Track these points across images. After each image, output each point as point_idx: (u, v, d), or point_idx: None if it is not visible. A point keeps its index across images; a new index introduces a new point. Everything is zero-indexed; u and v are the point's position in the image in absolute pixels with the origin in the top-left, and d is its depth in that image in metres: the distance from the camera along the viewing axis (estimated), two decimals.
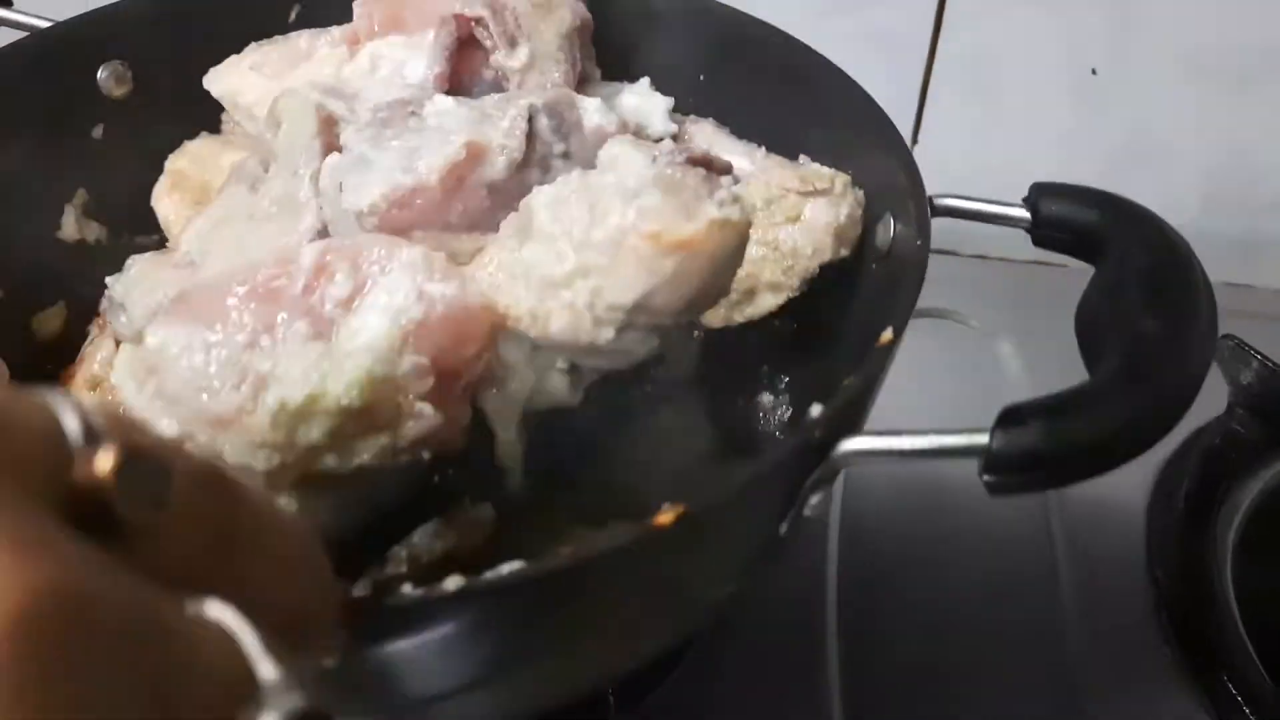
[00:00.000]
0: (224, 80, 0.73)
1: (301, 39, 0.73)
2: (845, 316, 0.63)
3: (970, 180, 0.61)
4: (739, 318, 0.67)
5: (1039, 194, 0.57)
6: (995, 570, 0.78)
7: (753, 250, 0.63)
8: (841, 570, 0.76)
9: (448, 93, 0.66)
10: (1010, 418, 0.45)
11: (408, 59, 0.72)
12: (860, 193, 0.64)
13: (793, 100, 0.69)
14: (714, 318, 0.67)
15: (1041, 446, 0.44)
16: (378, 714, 0.47)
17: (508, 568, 0.40)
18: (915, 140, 1.01)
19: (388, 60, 0.71)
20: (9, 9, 0.74)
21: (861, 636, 0.73)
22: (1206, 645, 0.71)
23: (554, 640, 0.47)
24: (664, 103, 0.69)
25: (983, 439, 0.45)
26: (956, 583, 0.77)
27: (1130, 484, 0.82)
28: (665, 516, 0.42)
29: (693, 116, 0.70)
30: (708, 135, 0.69)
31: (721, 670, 0.71)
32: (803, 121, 0.68)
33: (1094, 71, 0.96)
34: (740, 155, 0.68)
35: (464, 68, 0.69)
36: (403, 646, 0.43)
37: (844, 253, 0.64)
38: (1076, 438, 0.45)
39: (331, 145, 0.60)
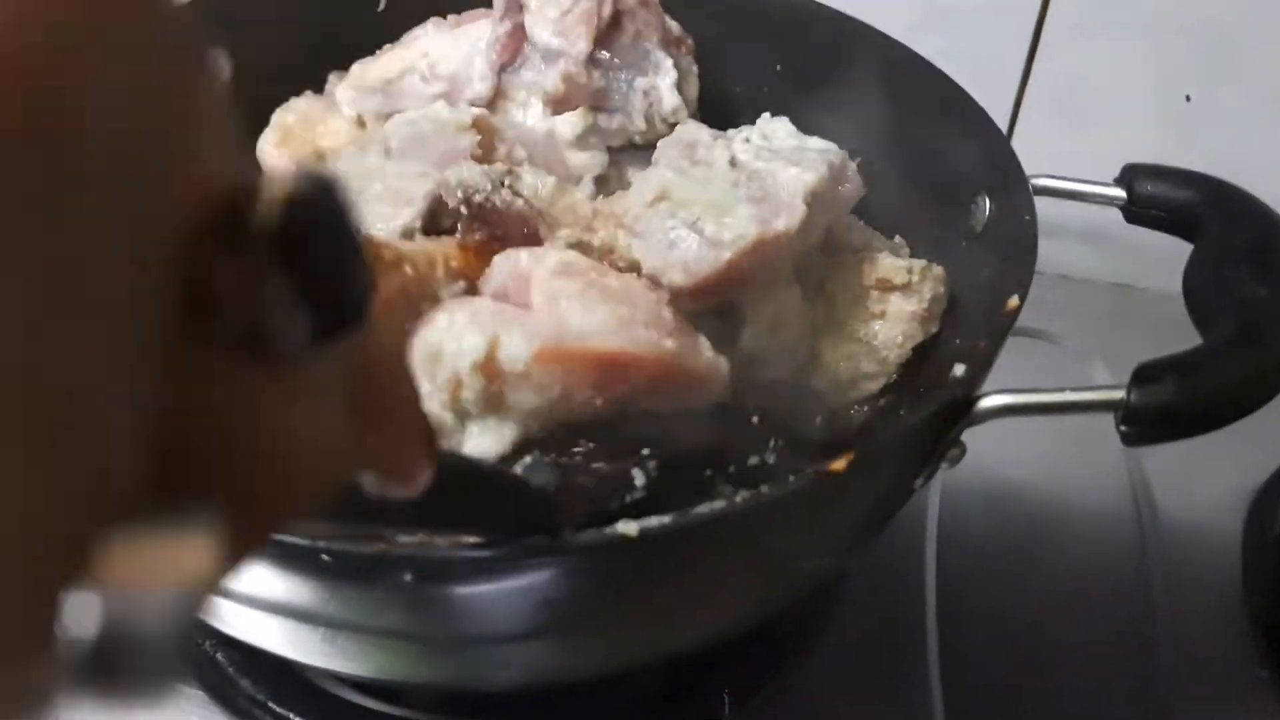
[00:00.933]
0: (264, 161, 0.76)
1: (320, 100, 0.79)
2: (958, 277, 0.67)
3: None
4: (846, 402, 0.71)
5: (1133, 174, 0.62)
6: (1089, 590, 0.80)
7: (847, 348, 0.68)
8: (940, 587, 0.78)
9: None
10: (1146, 374, 0.49)
11: (455, 51, 0.76)
12: (940, 270, 0.68)
13: (882, 88, 0.73)
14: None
15: (1175, 400, 0.49)
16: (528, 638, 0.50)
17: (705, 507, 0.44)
18: None
19: (438, 52, 0.76)
20: None
21: (959, 651, 0.74)
22: None
23: (719, 582, 0.50)
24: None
25: (1120, 394, 0.49)
26: (1052, 602, 0.79)
27: (1226, 508, 0.84)
28: (838, 463, 0.46)
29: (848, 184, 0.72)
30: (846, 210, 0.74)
31: (825, 675, 0.73)
32: (896, 110, 0.72)
33: (1188, 98, 0.96)
34: (843, 230, 0.73)
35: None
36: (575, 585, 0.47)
37: (933, 330, 0.68)
38: (1206, 392, 0.49)
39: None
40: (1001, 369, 0.55)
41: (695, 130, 0.67)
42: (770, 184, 0.63)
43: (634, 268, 0.62)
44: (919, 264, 0.68)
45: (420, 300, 0.58)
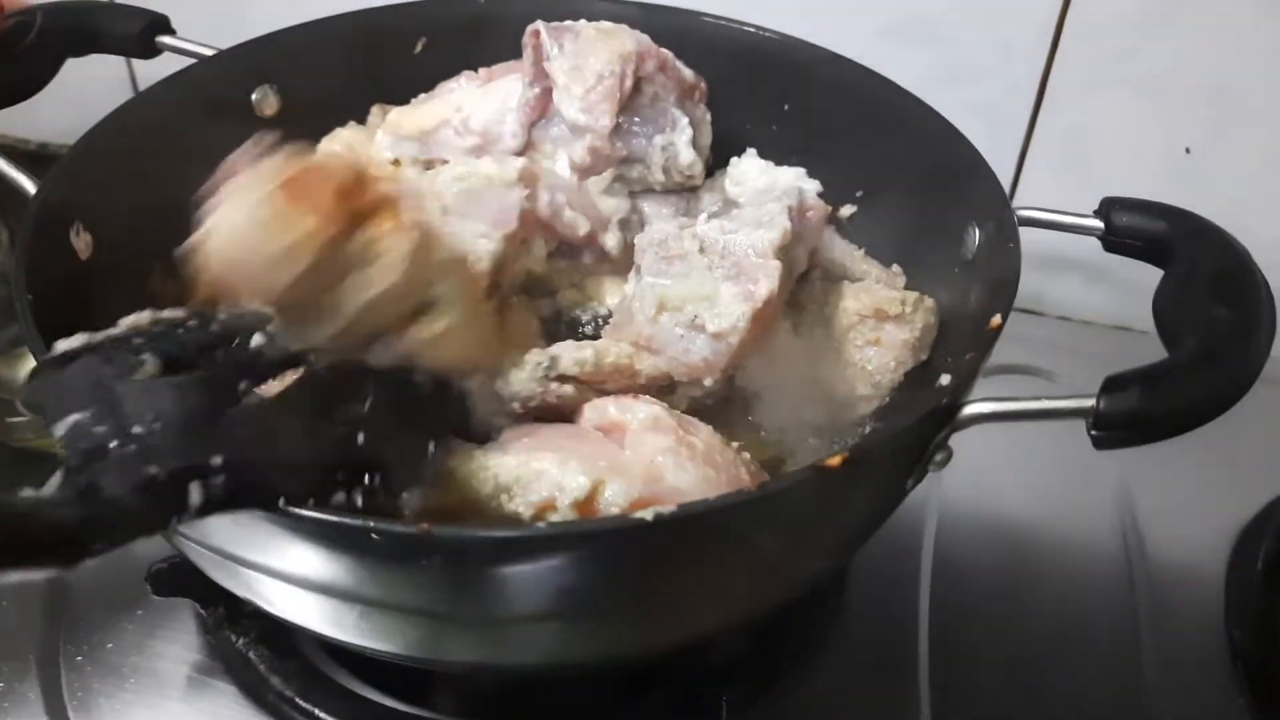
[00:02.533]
0: None
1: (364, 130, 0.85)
2: (947, 299, 0.73)
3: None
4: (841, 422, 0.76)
5: (1110, 206, 0.67)
6: (1079, 621, 0.83)
7: (845, 371, 0.74)
8: (933, 616, 0.82)
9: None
10: (1114, 384, 0.54)
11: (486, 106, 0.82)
12: (931, 301, 0.73)
13: (882, 127, 0.78)
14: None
15: (1141, 408, 0.53)
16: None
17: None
18: None
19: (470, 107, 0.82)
20: (171, 35, 0.82)
21: (950, 676, 0.78)
22: (1279, 696, 0.77)
23: (714, 572, 0.55)
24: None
25: (1090, 401, 0.54)
26: (1041, 630, 0.82)
27: (1211, 545, 0.88)
28: (834, 459, 0.51)
29: (812, 211, 0.77)
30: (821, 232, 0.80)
31: (819, 693, 0.76)
32: (895, 147, 0.78)
33: (1188, 150, 1.00)
34: (844, 258, 0.79)
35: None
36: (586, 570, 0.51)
37: (923, 358, 0.74)
38: (1169, 401, 0.54)
39: None
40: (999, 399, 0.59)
41: (662, 229, 0.73)
42: (740, 255, 0.69)
43: (664, 378, 0.68)
44: (912, 296, 0.73)
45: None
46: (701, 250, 0.69)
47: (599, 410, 0.64)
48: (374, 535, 0.47)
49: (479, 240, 0.71)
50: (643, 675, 0.75)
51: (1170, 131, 0.99)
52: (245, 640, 0.77)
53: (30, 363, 1.12)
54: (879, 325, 0.72)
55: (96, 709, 0.74)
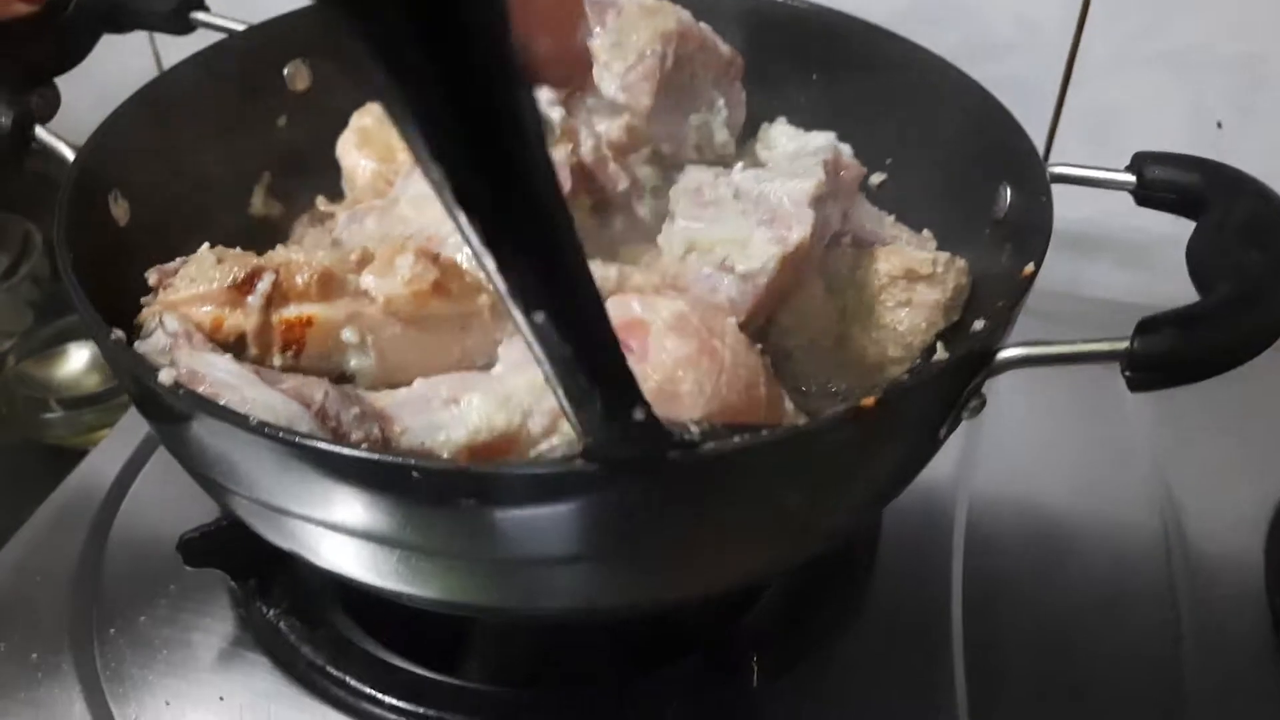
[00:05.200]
0: (344, 160, 0.82)
1: None
2: (977, 262, 0.73)
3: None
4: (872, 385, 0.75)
5: (1141, 161, 0.67)
6: (1113, 592, 0.82)
7: (876, 333, 0.73)
8: (966, 583, 0.81)
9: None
10: (1148, 326, 0.54)
11: None
12: (963, 262, 0.73)
13: (913, 93, 0.79)
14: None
15: (1175, 349, 0.53)
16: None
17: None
18: None
19: None
20: (205, 11, 0.83)
21: (985, 645, 0.77)
22: None
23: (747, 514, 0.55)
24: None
25: (1124, 344, 0.53)
26: (1077, 601, 0.82)
27: (1251, 516, 0.87)
28: (869, 400, 0.51)
29: (846, 170, 0.77)
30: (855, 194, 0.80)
31: (852, 661, 0.76)
32: (927, 111, 0.78)
33: (1219, 125, 1.00)
34: (874, 224, 0.79)
35: None
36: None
37: (954, 318, 0.73)
38: (1204, 342, 0.54)
39: None
40: (1032, 375, 0.59)
41: (697, 175, 0.74)
42: (775, 202, 0.69)
43: None
44: (944, 256, 0.73)
45: None
46: (736, 197, 0.69)
47: (622, 306, 0.63)
48: (414, 474, 0.48)
49: None
50: (674, 640, 0.75)
51: (1200, 106, 0.98)
52: (276, 612, 0.78)
53: (60, 364, 1.16)
54: (910, 286, 0.72)
55: (130, 680, 0.74)
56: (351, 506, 0.51)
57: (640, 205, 0.77)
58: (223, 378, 0.57)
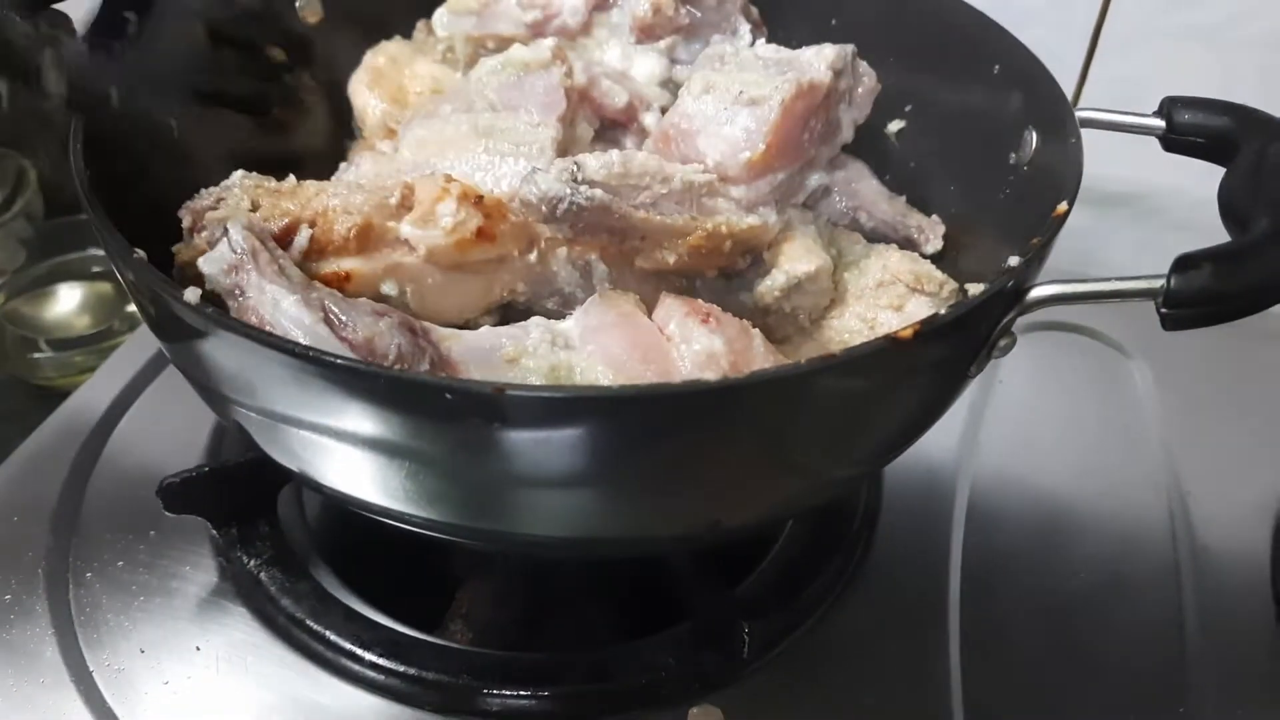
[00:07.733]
0: (355, 99, 0.81)
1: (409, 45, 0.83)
2: (998, 211, 0.71)
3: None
4: None
5: (1171, 105, 0.65)
6: (1116, 573, 0.80)
7: (851, 323, 0.71)
8: (965, 560, 0.80)
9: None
10: (1185, 263, 0.52)
11: None
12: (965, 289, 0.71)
13: (937, 39, 0.77)
14: None
15: (1213, 286, 0.51)
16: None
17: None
18: None
19: None
20: None
21: (981, 621, 0.76)
22: None
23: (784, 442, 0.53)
24: None
25: (1160, 281, 0.51)
26: (1077, 583, 0.80)
27: (1257, 503, 0.86)
28: (905, 331, 0.49)
29: (865, 76, 0.76)
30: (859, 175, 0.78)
31: (845, 633, 0.75)
32: (951, 58, 0.76)
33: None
34: (880, 199, 0.77)
35: None
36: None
37: None
38: (1242, 279, 0.52)
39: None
40: (1040, 357, 0.57)
41: (720, 48, 0.74)
42: (795, 61, 0.70)
43: (702, 188, 0.66)
44: (952, 284, 0.71)
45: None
46: (757, 59, 0.71)
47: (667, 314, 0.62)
48: (448, 395, 0.47)
49: (537, 130, 0.69)
50: (663, 608, 0.73)
51: (1225, 81, 0.96)
52: (257, 562, 0.75)
53: (51, 304, 1.13)
54: (908, 294, 0.70)
55: (104, 625, 0.72)
56: (373, 421, 0.50)
57: (648, 116, 0.75)
58: (287, 325, 0.55)
